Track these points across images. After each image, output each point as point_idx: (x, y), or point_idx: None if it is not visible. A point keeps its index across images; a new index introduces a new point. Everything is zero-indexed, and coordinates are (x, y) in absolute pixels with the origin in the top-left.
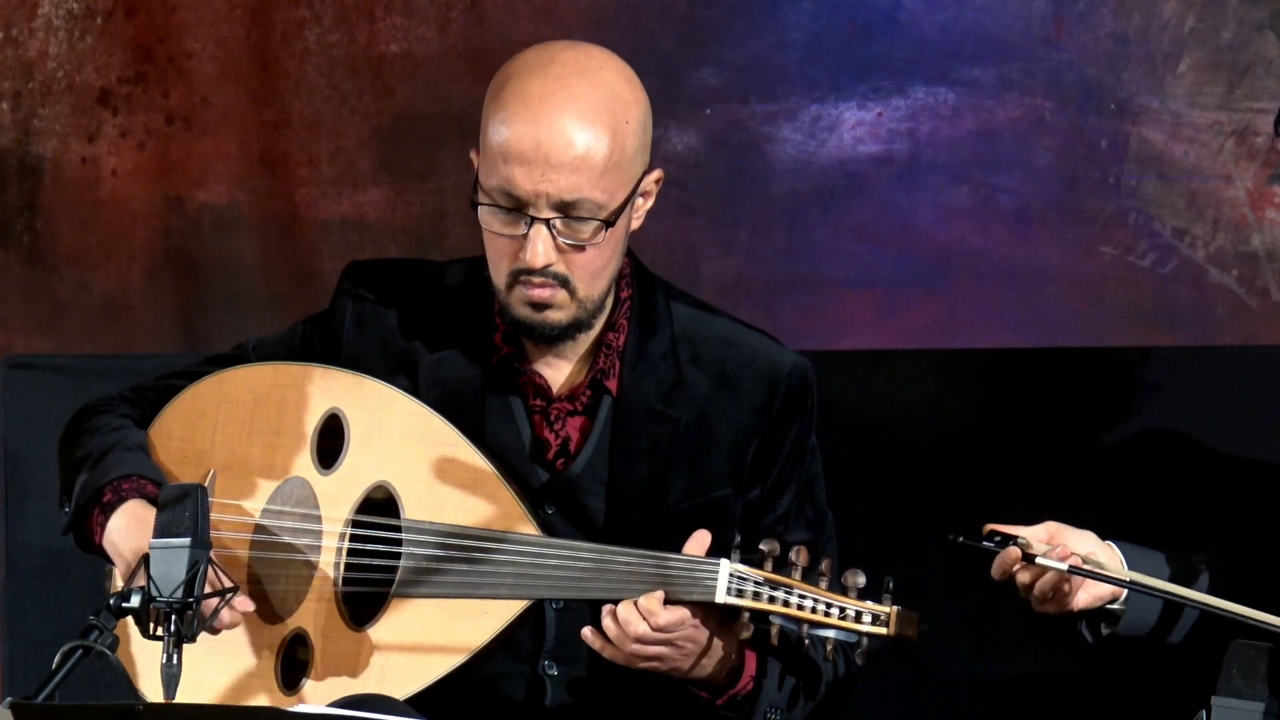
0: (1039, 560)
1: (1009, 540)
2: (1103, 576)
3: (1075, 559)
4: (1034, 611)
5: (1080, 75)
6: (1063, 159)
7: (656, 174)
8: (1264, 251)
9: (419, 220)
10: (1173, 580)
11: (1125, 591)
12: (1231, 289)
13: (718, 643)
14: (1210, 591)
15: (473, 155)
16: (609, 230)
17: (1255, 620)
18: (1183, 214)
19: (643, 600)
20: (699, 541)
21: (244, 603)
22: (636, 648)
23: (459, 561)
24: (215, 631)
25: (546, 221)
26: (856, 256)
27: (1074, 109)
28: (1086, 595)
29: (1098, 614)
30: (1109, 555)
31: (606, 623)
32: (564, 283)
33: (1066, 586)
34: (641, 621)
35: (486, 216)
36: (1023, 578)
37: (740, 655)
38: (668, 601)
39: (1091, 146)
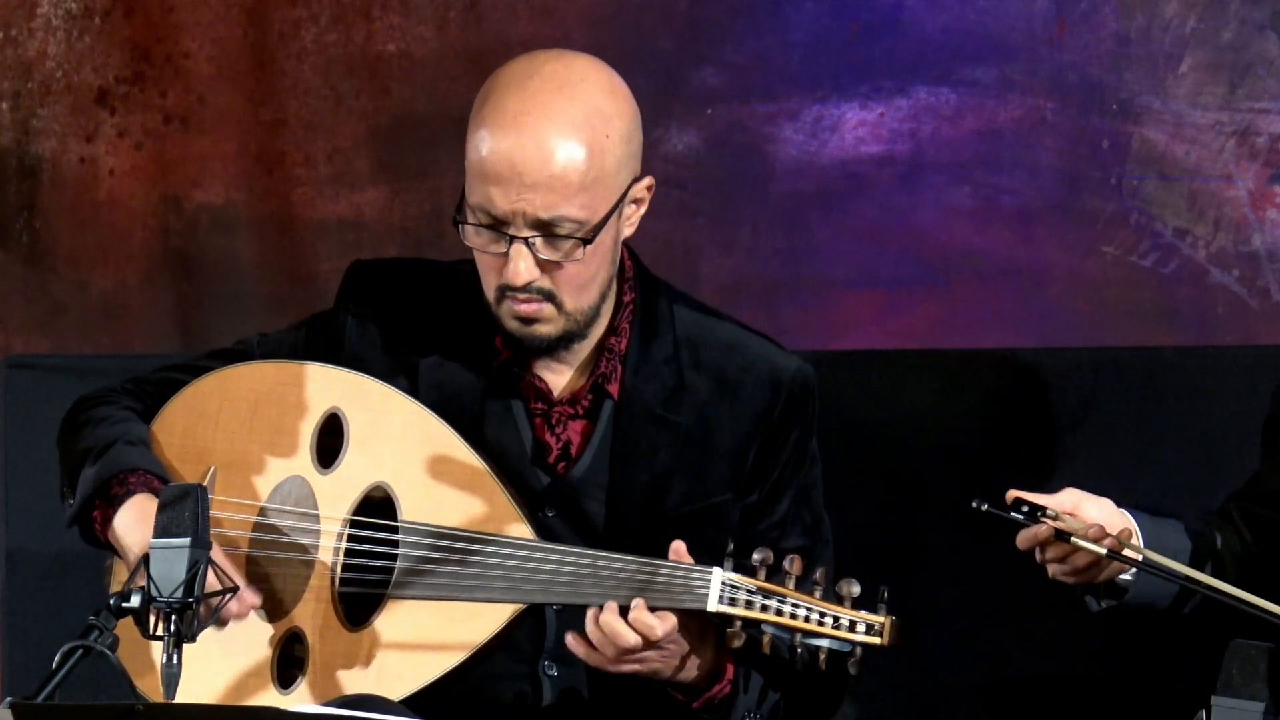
0: (1075, 540)
1: (1037, 510)
2: (1139, 563)
3: (1111, 541)
4: (1047, 581)
5: (1082, 75)
6: (1064, 159)
7: (647, 181)
8: (1265, 251)
9: (416, 220)
10: (1192, 549)
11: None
12: (1232, 289)
13: (700, 649)
14: (1221, 554)
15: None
16: (589, 246)
17: (1266, 613)
18: (1184, 214)
19: (640, 617)
20: (677, 552)
21: (251, 597)
22: (625, 658)
23: (454, 563)
24: (222, 625)
25: (526, 240)
26: (858, 257)
27: (1076, 109)
28: (1109, 569)
29: (1101, 583)
30: (1125, 523)
31: (590, 629)
32: (550, 297)
33: (1100, 563)
34: (632, 635)
35: (470, 234)
36: (1052, 553)
37: (719, 661)
38: (656, 609)
39: (1093, 147)
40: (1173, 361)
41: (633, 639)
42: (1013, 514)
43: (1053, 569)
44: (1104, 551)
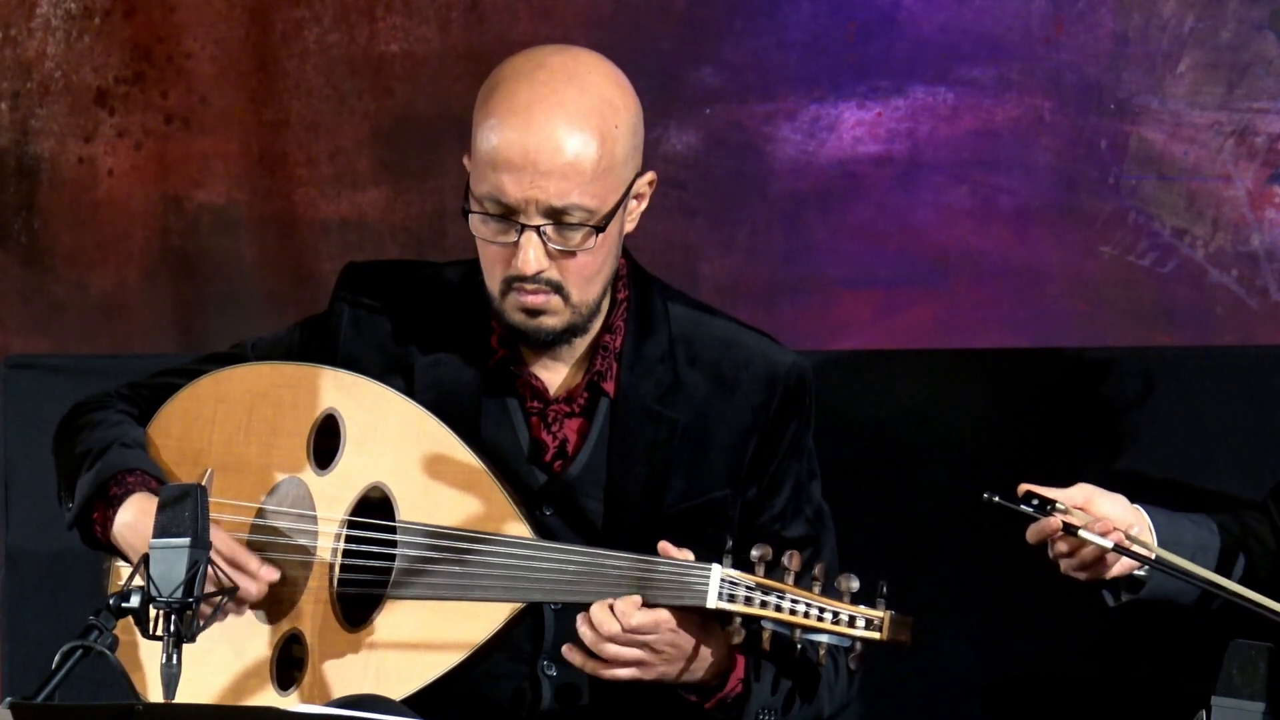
0: (1082, 534)
1: (1047, 504)
2: (1145, 558)
3: (1118, 535)
4: (1061, 576)
5: (1080, 75)
6: (1062, 159)
7: (649, 176)
8: (1263, 251)
9: (418, 220)
10: (1221, 545)
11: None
12: (1231, 289)
13: (704, 646)
14: (1223, 553)
15: (465, 160)
16: (600, 236)
17: (1273, 612)
18: (1182, 214)
19: (618, 602)
20: (665, 551)
21: (269, 572)
22: (612, 650)
23: (452, 563)
24: (240, 608)
25: (537, 229)
26: (856, 257)
27: (1073, 109)
28: (1121, 565)
29: (1120, 578)
30: (1138, 519)
31: (582, 630)
32: (557, 289)
33: (1108, 559)
34: (614, 622)
35: (478, 224)
36: (1061, 547)
37: (730, 658)
38: (649, 605)
39: (1091, 146)
40: (1172, 361)
41: (612, 625)
42: (1023, 507)
43: (1063, 564)
44: (1111, 545)
